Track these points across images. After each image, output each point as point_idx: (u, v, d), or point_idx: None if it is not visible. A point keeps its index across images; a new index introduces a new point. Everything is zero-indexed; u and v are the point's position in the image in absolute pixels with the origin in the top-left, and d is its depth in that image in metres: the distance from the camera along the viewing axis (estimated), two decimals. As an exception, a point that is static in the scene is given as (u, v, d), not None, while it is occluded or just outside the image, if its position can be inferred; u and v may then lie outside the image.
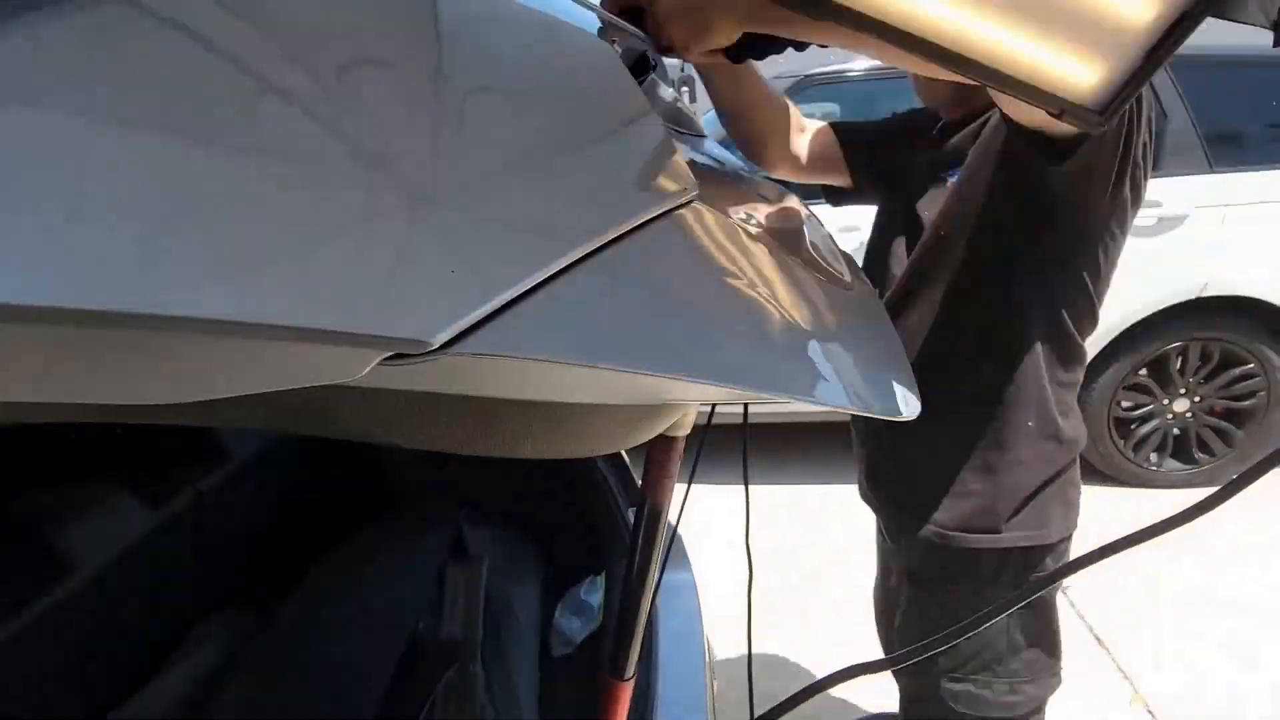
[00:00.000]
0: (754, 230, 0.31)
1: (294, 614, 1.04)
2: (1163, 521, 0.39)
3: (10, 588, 0.75)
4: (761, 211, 0.37)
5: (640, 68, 0.59)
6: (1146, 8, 0.37)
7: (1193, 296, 2.41)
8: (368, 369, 0.20)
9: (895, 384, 0.32)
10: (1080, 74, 0.41)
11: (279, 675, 0.94)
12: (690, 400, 0.46)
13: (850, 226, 2.45)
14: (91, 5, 0.20)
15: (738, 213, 0.30)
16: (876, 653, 1.12)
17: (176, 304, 0.17)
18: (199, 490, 0.96)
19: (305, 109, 0.22)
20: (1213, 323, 2.47)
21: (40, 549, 0.79)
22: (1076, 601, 2.13)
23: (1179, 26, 0.38)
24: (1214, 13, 0.38)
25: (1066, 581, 2.18)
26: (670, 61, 0.67)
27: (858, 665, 0.41)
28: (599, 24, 0.55)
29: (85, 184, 0.17)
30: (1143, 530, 0.39)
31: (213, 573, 1.09)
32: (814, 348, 0.28)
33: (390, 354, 0.19)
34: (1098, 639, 1.99)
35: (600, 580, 1.20)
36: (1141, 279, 2.41)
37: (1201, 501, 0.38)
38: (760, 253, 0.30)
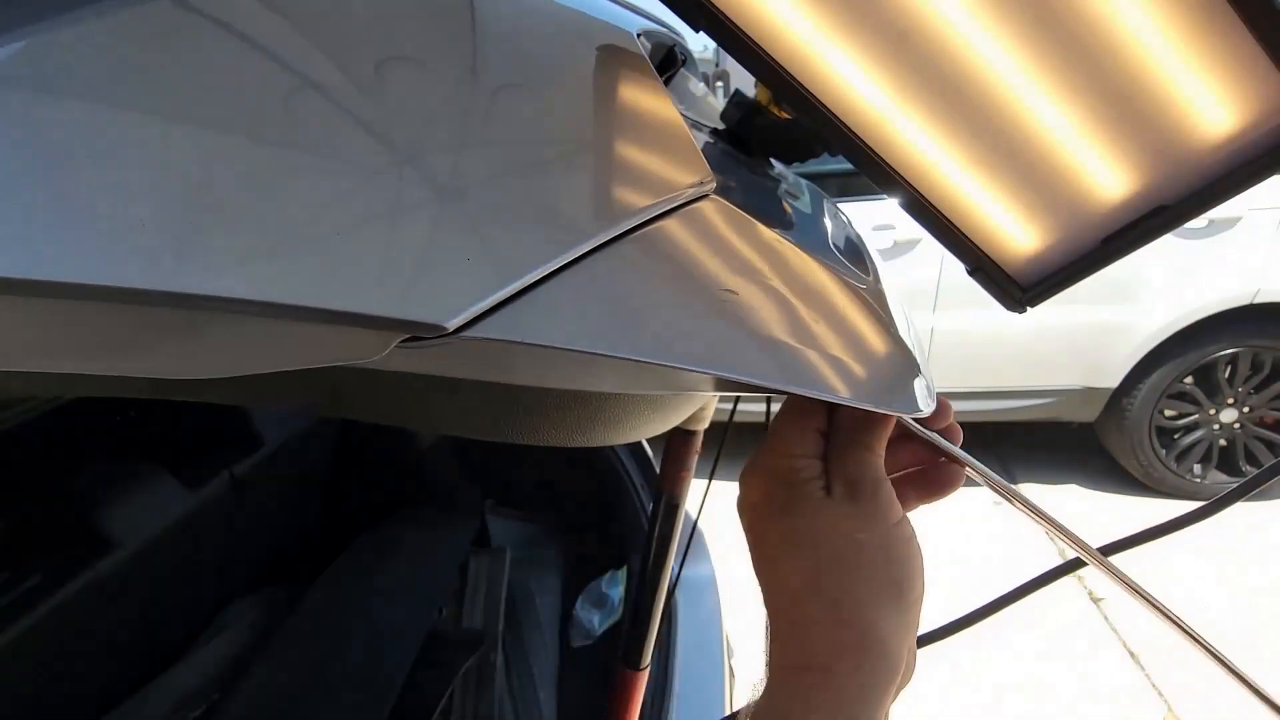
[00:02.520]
0: (771, 225, 0.31)
1: (320, 599, 1.06)
2: (1168, 522, 0.38)
3: (55, 563, 0.79)
4: (781, 207, 0.37)
5: (668, 62, 0.59)
6: (1118, 185, 0.30)
7: (1245, 303, 2.32)
8: (386, 350, 0.20)
9: (913, 382, 0.32)
10: (1016, 234, 0.33)
11: (304, 658, 0.96)
12: (703, 393, 0.47)
13: (884, 225, 2.41)
14: (137, 2, 0.21)
15: (756, 207, 0.30)
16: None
17: (210, 285, 0.18)
18: (234, 475, 0.99)
19: (335, 103, 0.23)
20: (1265, 330, 2.37)
21: (84, 527, 0.83)
22: (1110, 615, 2.07)
23: (1152, 219, 0.30)
24: (1200, 212, 0.30)
25: (1100, 594, 2.12)
26: (702, 56, 0.67)
27: None
28: (628, 19, 0.55)
29: (127, 172, 0.18)
30: (1145, 531, 0.38)
31: (245, 555, 1.12)
32: (828, 344, 0.28)
33: (408, 336, 0.20)
34: (1132, 654, 1.94)
35: (621, 573, 1.21)
36: (1190, 283, 2.33)
37: (1211, 502, 0.37)
38: (777, 248, 0.30)
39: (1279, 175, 0.30)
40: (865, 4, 0.28)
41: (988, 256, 0.34)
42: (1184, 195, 0.30)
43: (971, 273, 0.35)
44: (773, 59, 0.30)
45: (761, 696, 0.31)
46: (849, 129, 0.31)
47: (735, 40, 0.29)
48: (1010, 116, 0.30)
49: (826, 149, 0.36)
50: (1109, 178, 0.31)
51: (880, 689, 0.29)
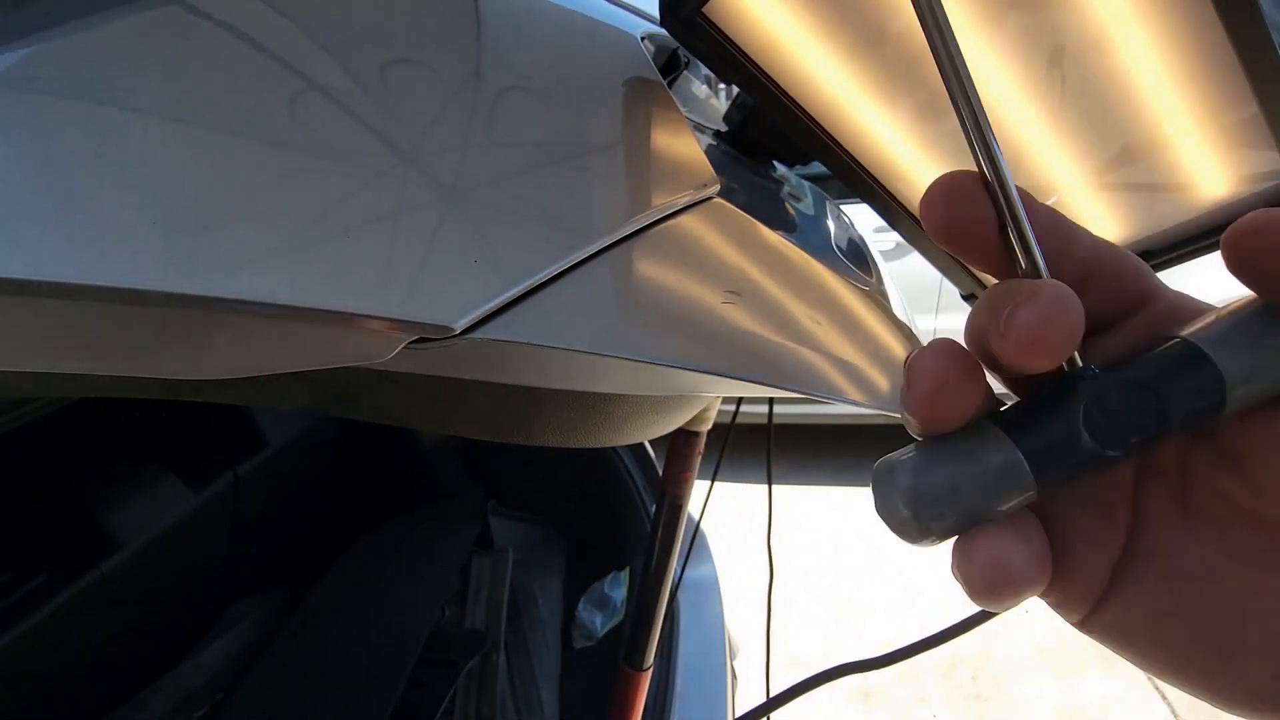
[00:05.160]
0: (775, 227, 0.31)
1: (323, 599, 1.07)
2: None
3: (59, 563, 0.79)
4: (784, 208, 0.37)
5: (672, 65, 0.59)
6: (1112, 230, 0.33)
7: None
8: (394, 352, 0.20)
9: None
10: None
11: (307, 657, 0.97)
12: (707, 394, 0.47)
13: (886, 227, 2.41)
14: (147, 5, 0.22)
15: (759, 209, 0.31)
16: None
17: (220, 287, 0.18)
18: (238, 475, 0.99)
19: (342, 106, 0.23)
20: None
21: (89, 527, 0.83)
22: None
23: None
24: (1180, 262, 0.33)
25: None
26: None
27: (847, 665, 0.41)
28: (632, 21, 0.55)
29: (136, 174, 0.18)
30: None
31: (248, 554, 1.13)
32: (831, 345, 0.28)
33: (416, 338, 0.20)
34: (1154, 683, 1.93)
35: (624, 575, 1.21)
36: (1194, 284, 2.32)
37: None
38: (780, 249, 0.30)
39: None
40: (881, 43, 0.28)
41: (982, 285, 0.36)
42: (1167, 244, 0.33)
43: (965, 298, 0.38)
44: (785, 95, 0.29)
45: None
46: (860, 165, 0.31)
47: (751, 81, 0.29)
48: (1021, 163, 0.30)
49: (841, 181, 0.37)
50: (1105, 223, 0.33)
51: None
